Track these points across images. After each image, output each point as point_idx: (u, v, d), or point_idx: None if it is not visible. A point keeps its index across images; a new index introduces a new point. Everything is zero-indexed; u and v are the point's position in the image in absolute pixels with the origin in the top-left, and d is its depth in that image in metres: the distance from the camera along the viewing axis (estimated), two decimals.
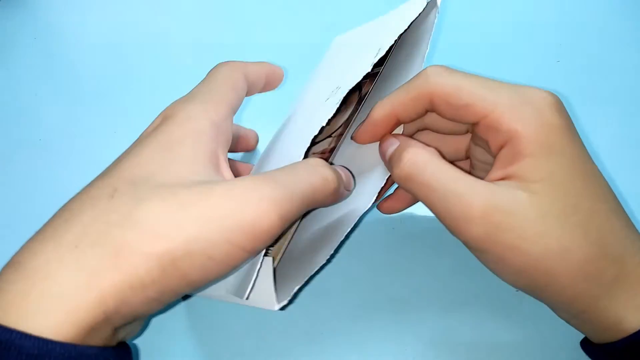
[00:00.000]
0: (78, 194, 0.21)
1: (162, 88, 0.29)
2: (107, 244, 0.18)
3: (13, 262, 0.19)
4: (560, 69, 0.37)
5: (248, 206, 0.19)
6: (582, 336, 0.24)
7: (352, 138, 0.26)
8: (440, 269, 0.30)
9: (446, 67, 0.23)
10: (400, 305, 0.29)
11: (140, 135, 0.23)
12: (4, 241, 0.33)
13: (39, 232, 0.20)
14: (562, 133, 0.21)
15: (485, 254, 0.21)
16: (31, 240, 0.19)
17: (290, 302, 0.24)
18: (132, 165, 0.20)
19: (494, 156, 0.22)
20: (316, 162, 0.23)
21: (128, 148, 0.22)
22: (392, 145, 0.24)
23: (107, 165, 0.22)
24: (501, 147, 0.22)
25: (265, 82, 0.27)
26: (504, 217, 0.20)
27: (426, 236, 0.31)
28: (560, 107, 0.22)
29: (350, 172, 0.26)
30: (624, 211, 0.22)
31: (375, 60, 0.24)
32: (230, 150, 0.27)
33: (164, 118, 0.22)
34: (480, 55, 0.37)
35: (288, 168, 0.22)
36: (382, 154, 0.25)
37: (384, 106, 0.24)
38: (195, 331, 0.28)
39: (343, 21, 0.38)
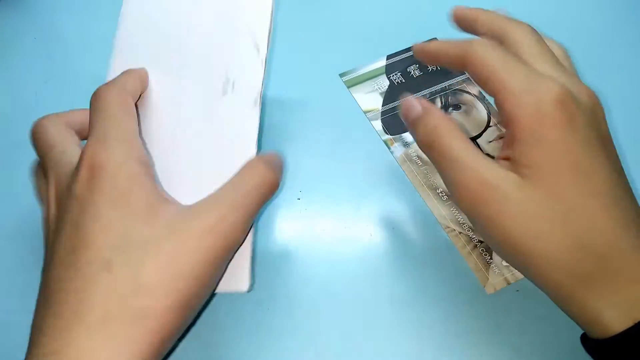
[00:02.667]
0: (57, 270, 0.21)
1: None
2: (130, 315, 0.20)
3: (50, 352, 0.19)
4: None
5: (223, 234, 0.22)
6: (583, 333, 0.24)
7: (413, 49, 0.28)
8: (440, 270, 0.30)
9: (497, 44, 0.24)
10: (400, 306, 0.29)
11: (73, 189, 0.22)
12: (4, 241, 0.33)
13: (53, 314, 0.20)
14: (558, 126, 0.21)
15: (474, 223, 0.24)
16: (50, 323, 0.20)
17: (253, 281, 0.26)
18: (101, 231, 0.21)
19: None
20: (263, 171, 0.24)
21: (69, 212, 0.22)
22: (416, 108, 0.25)
23: None
24: (506, 127, 0.23)
25: (141, 87, 0.28)
26: (490, 192, 0.22)
27: (426, 237, 0.31)
28: (565, 101, 0.22)
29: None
30: (630, 211, 0.22)
31: (262, 57, 0.27)
32: (83, 138, 0.27)
33: (93, 170, 0.22)
34: None
35: (238, 184, 0.23)
36: (406, 113, 0.26)
37: (436, 45, 0.27)
38: (194, 330, 0.28)
39: None
